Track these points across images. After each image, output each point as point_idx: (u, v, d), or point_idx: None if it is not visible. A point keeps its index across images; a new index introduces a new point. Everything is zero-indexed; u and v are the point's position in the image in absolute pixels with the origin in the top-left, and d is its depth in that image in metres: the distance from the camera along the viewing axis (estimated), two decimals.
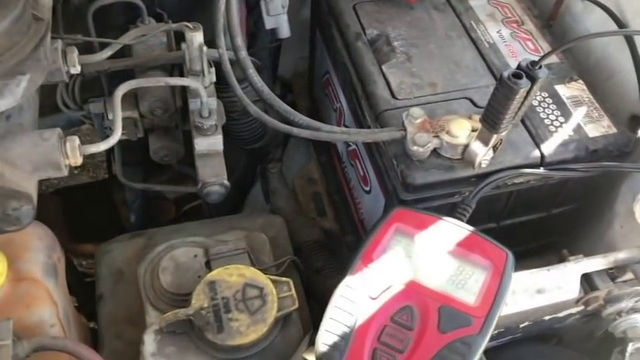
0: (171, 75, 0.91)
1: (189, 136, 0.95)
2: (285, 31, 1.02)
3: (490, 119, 0.72)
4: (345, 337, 0.66)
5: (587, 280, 0.82)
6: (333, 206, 1.25)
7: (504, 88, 0.67)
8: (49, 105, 0.92)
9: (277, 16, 1.00)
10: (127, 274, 0.94)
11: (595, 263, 0.82)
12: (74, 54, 0.74)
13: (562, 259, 0.85)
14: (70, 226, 1.55)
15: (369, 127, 0.90)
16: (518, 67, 0.68)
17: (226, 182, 0.85)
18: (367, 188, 0.99)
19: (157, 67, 0.90)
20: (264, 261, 0.86)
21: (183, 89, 0.89)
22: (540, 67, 0.68)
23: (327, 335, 0.66)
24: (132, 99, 0.93)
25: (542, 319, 0.85)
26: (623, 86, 0.95)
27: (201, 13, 1.08)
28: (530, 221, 0.94)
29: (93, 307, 0.96)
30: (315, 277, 1.03)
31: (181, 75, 0.90)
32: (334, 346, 0.65)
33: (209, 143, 0.84)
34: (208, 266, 0.82)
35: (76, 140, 0.67)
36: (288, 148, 1.37)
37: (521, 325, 0.85)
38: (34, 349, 0.63)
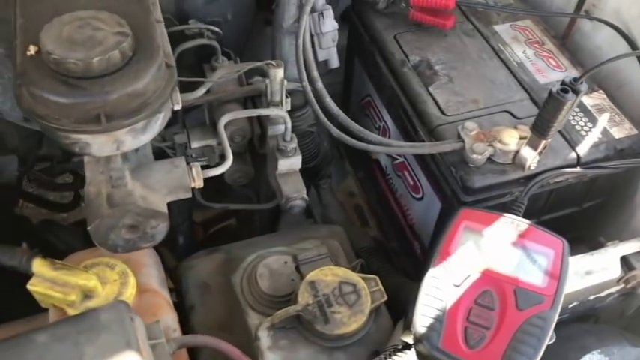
0: (244, 105, 1.03)
1: (256, 159, 1.07)
2: (335, 62, 1.15)
3: (540, 128, 0.85)
4: (439, 319, 0.77)
5: (624, 262, 0.95)
6: (375, 216, 1.37)
7: (554, 101, 0.81)
8: None
9: (328, 49, 1.12)
10: (212, 286, 1.05)
11: (631, 246, 0.95)
12: (178, 92, 0.86)
13: (600, 246, 0.98)
14: None
15: (421, 141, 1.03)
16: (563, 82, 0.82)
17: (306, 197, 0.97)
18: (418, 196, 1.12)
19: (232, 100, 1.02)
20: (341, 264, 0.97)
21: (260, 119, 1.01)
22: (582, 82, 0.81)
23: (423, 319, 0.78)
24: (210, 129, 1.04)
25: (587, 299, 0.98)
26: (633, 94, 1.09)
27: (255, 51, 1.21)
28: (565, 215, 1.08)
29: None
30: None
31: (254, 105, 1.02)
32: (431, 327, 0.77)
33: (290, 163, 0.95)
34: (298, 270, 0.93)
35: (199, 166, 0.78)
36: None
37: (570, 306, 0.97)
38: (179, 346, 0.74)
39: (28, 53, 0.68)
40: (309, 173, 1.29)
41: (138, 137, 0.71)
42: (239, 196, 1.27)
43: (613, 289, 0.98)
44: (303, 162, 1.21)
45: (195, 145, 1.02)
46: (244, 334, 0.93)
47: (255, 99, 1.02)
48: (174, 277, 1.11)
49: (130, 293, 0.81)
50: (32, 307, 1.02)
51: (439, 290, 0.80)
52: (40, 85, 0.65)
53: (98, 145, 0.69)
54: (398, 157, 1.17)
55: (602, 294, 0.98)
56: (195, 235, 1.68)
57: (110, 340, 0.64)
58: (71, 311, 0.78)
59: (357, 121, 1.36)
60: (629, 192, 1.09)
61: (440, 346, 0.76)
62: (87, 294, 0.79)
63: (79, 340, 0.64)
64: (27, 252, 0.79)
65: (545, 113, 0.83)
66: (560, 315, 1.00)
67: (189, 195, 0.78)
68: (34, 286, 0.77)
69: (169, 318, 0.84)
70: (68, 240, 1.47)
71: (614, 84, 1.13)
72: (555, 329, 1.01)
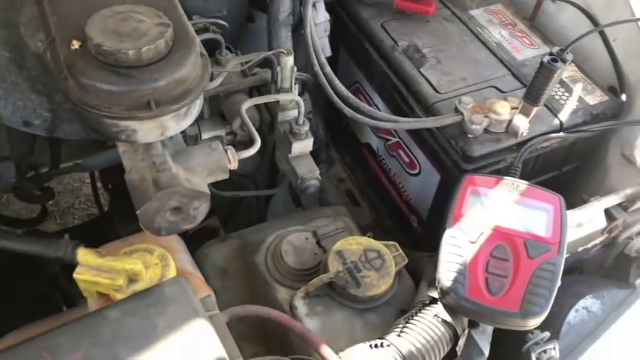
0: (250, 95, 1.08)
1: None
2: (327, 51, 1.21)
3: (532, 96, 0.95)
4: (461, 273, 0.85)
5: (607, 214, 1.06)
6: (367, 198, 1.44)
7: (546, 70, 0.91)
8: None
9: (321, 39, 1.18)
10: (230, 271, 1.09)
11: (612, 199, 1.06)
12: None
13: (583, 202, 1.09)
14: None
15: None
16: (551, 54, 0.91)
17: (319, 176, 1.03)
18: (415, 171, 1.20)
19: (239, 90, 1.07)
20: None
21: (267, 106, 1.06)
22: (568, 52, 0.91)
23: (447, 273, 0.85)
24: (219, 120, 1.09)
25: (576, 251, 1.08)
26: (598, 66, 1.21)
27: (250, 43, 1.26)
28: (547, 179, 1.18)
29: None
30: None
31: (260, 95, 1.07)
32: (456, 280, 0.85)
33: (302, 146, 1.01)
34: (319, 245, 0.99)
35: (233, 148, 0.83)
36: None
37: None
38: (230, 317, 0.78)
39: (73, 47, 0.71)
40: None
41: (180, 122, 0.75)
42: (235, 186, 1.32)
43: (597, 241, 1.09)
44: None
45: (205, 135, 1.06)
46: None
47: (261, 88, 1.07)
48: None
49: (172, 275, 0.84)
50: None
51: (458, 248, 0.88)
52: (90, 76, 0.69)
53: (144, 131, 0.73)
54: (391, 138, 1.25)
55: (589, 245, 1.09)
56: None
57: (179, 311, 0.68)
58: (118, 296, 0.81)
59: None
60: (601, 154, 1.21)
61: (466, 296, 0.83)
62: (132, 279, 0.82)
63: (150, 314, 0.67)
64: (70, 243, 0.81)
65: (538, 82, 0.93)
66: None
67: (227, 176, 0.83)
68: (80, 275, 0.80)
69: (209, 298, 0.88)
70: None
71: (580, 58, 1.24)
72: None
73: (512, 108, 1.01)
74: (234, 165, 0.83)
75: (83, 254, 0.80)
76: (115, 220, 1.79)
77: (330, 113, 1.50)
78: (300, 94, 1.17)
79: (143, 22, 0.72)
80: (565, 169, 1.19)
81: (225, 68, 0.96)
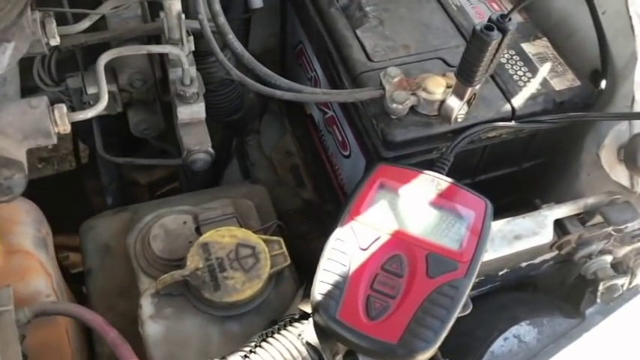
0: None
1: (169, 109, 0.96)
2: (258, 1, 1.03)
3: (465, 73, 0.75)
4: (339, 287, 0.69)
5: (559, 226, 0.86)
6: (312, 177, 1.27)
7: (477, 41, 0.71)
8: (24, 88, 0.91)
9: None
10: (115, 248, 0.95)
11: (566, 209, 0.86)
12: (53, 25, 0.74)
13: (535, 208, 0.90)
14: None
15: None
16: (489, 20, 0.71)
17: (211, 149, 0.87)
18: (346, 153, 1.02)
19: (134, 39, 0.90)
20: (251, 225, 0.88)
21: (162, 60, 0.90)
22: (510, 19, 0.71)
23: (322, 285, 0.69)
24: (110, 73, 0.93)
25: (519, 266, 0.90)
26: (584, 44, 1.00)
27: None
28: (503, 176, 0.99)
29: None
30: (300, 242, 1.05)
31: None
32: (329, 295, 0.68)
33: (192, 111, 0.85)
34: (198, 232, 0.83)
35: (64, 107, 0.68)
36: (262, 123, 1.38)
37: (500, 273, 0.89)
38: (35, 315, 0.64)
39: None
40: (234, 128, 1.19)
41: None
42: (158, 150, 1.17)
43: (547, 256, 0.91)
44: (225, 115, 1.10)
45: (91, 90, 0.90)
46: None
47: (159, 38, 0.91)
48: None
49: None
50: None
51: (343, 254, 0.71)
52: None
53: None
54: (328, 111, 1.07)
55: (536, 261, 0.91)
56: (140, 198, 1.58)
57: None
58: None
59: (292, 72, 1.26)
60: (573, 151, 1.01)
61: (337, 316, 0.67)
62: None
63: None
64: None
65: (469, 56, 0.73)
66: (490, 283, 0.93)
67: (52, 141, 0.68)
68: None
69: (41, 283, 0.75)
70: None
71: (564, 33, 1.03)
72: (487, 298, 0.94)
73: (449, 86, 0.82)
74: (63, 128, 0.68)
75: None
76: (85, 173, 1.69)
77: None
78: (222, 49, 1.00)
79: None
80: (526, 166, 0.99)
81: (97, 10, 0.80)
